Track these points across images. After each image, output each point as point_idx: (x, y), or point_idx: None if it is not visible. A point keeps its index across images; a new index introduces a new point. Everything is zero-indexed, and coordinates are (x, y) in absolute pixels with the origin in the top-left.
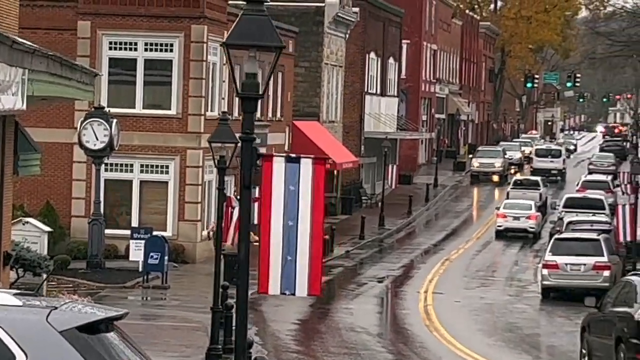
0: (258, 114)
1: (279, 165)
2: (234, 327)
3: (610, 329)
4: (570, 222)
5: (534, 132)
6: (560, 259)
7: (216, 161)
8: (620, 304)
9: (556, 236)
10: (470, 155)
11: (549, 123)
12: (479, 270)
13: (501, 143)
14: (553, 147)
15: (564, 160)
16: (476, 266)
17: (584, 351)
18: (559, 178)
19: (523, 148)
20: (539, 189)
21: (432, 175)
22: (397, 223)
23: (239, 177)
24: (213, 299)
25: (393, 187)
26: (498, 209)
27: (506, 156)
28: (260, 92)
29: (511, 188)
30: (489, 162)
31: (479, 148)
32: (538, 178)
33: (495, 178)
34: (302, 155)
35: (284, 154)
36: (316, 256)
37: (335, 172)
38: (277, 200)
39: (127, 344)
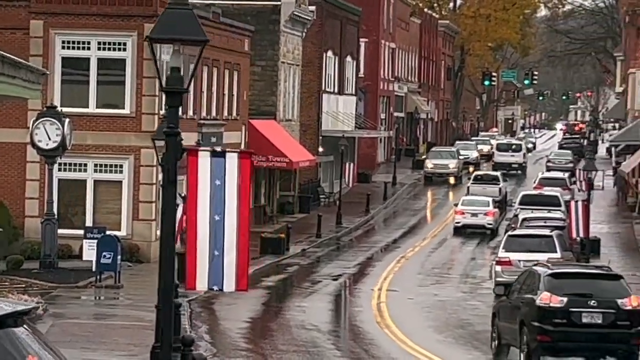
0: (214, 113)
1: (204, 159)
2: (183, 325)
3: (516, 314)
4: (524, 219)
5: (494, 129)
6: (513, 256)
7: (159, 158)
8: (525, 292)
9: (509, 233)
10: (425, 156)
11: (510, 121)
12: (434, 268)
13: (457, 142)
14: (514, 141)
15: (524, 154)
16: (432, 263)
17: (494, 335)
18: (519, 172)
19: (480, 147)
20: (499, 184)
21: (390, 173)
22: (355, 221)
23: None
24: (157, 297)
25: (351, 185)
26: (456, 205)
27: (461, 156)
28: (185, 86)
29: (471, 183)
30: (443, 163)
31: (433, 149)
32: (498, 173)
33: (451, 180)
34: (227, 150)
35: (209, 148)
36: (243, 251)
37: (292, 171)
38: (203, 195)
39: (37, 339)
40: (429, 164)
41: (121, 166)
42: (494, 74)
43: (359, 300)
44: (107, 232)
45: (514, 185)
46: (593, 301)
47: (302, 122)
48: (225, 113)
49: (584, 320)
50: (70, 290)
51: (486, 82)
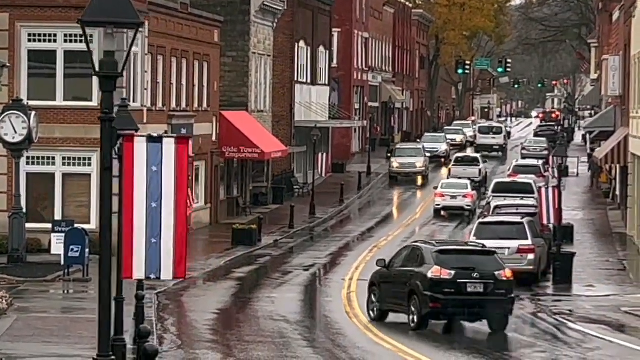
0: (183, 104)
1: (140, 145)
2: (148, 317)
3: (404, 283)
4: (496, 207)
5: (472, 118)
6: (485, 243)
7: (116, 150)
8: (410, 265)
9: (480, 220)
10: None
11: (486, 110)
12: None
13: (425, 135)
14: (495, 124)
15: (504, 136)
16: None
17: (373, 299)
18: (500, 153)
19: (453, 136)
20: (479, 165)
21: (365, 163)
22: (329, 211)
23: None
24: (116, 289)
25: (324, 175)
26: (436, 188)
27: (427, 152)
28: (119, 70)
29: (452, 165)
30: (409, 162)
31: (397, 146)
32: (478, 155)
33: (419, 180)
34: (164, 135)
35: (146, 134)
36: (180, 238)
37: (265, 162)
38: (139, 182)
39: None
40: (395, 162)
41: (89, 159)
42: (467, 62)
43: (329, 290)
44: (75, 225)
45: (495, 167)
46: (476, 274)
47: (274, 113)
48: (196, 104)
49: (469, 289)
50: (38, 285)
51: (460, 71)
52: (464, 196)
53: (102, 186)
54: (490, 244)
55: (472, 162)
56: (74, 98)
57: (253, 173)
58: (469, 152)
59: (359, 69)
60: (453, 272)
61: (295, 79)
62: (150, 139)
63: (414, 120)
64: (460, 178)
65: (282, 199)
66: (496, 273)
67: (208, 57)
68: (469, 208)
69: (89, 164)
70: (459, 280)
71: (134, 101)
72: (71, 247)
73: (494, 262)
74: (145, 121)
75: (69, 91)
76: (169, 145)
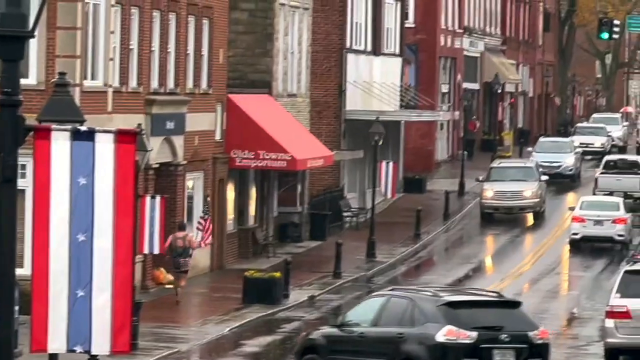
0: (170, 84)
1: (61, 144)
2: None
3: (383, 352)
4: None
5: (627, 109)
6: (634, 304)
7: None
8: (391, 323)
9: (627, 267)
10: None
11: None
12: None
13: (540, 140)
14: None
15: None
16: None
17: None
18: None
19: (586, 139)
20: None
21: (457, 178)
22: (396, 253)
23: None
24: None
25: (391, 197)
26: (572, 209)
27: (542, 175)
28: (30, 29)
29: (600, 173)
30: (511, 190)
31: (494, 165)
32: (637, 158)
33: (529, 219)
34: (97, 129)
35: (69, 126)
36: (123, 289)
37: (298, 174)
38: (59, 201)
39: None
40: (489, 190)
41: (23, 166)
42: (617, 22)
43: None
44: None
45: None
46: (504, 335)
47: (314, 99)
48: (190, 84)
49: (497, 358)
50: None
51: (603, 35)
52: (614, 221)
53: (2, 200)
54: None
55: (631, 168)
56: None
57: (280, 192)
58: (629, 155)
59: (449, 30)
60: (475, 334)
61: (348, 45)
62: (77, 135)
63: (534, 112)
64: (610, 193)
65: (325, 232)
66: (530, 334)
67: (210, 10)
68: (621, 239)
69: (22, 169)
70: (482, 346)
71: (92, 78)
72: None
73: (522, 317)
74: (109, 109)
75: None
76: (105, 145)
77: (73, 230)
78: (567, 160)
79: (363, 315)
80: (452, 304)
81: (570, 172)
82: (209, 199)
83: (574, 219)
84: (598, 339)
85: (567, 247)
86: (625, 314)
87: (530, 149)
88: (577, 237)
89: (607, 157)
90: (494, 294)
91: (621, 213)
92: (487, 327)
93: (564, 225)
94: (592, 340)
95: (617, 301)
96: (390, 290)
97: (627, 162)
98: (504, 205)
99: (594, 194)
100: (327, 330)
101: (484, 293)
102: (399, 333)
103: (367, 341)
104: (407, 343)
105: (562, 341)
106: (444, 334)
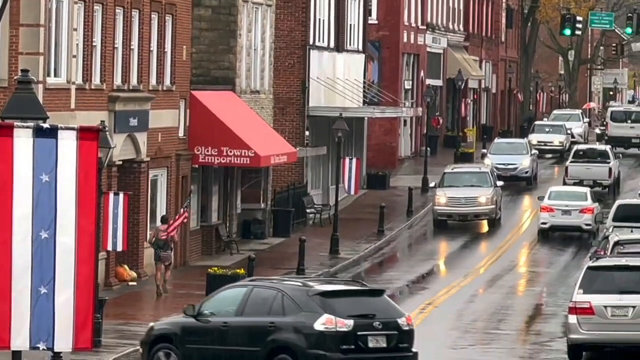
0: (134, 81)
1: (23, 141)
2: None
3: (251, 340)
4: (617, 243)
5: (591, 104)
6: (597, 300)
7: None
8: (258, 313)
9: (589, 264)
10: (483, 149)
11: (611, 92)
12: (476, 320)
13: (496, 141)
14: (635, 108)
15: None
16: (474, 313)
17: None
18: None
19: (544, 138)
20: (609, 162)
21: (420, 174)
22: (360, 249)
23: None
24: None
25: (354, 193)
26: (541, 199)
27: (497, 179)
28: None
29: (570, 162)
30: (466, 196)
31: (447, 170)
32: (606, 147)
33: (484, 225)
34: (60, 126)
35: (32, 123)
36: (85, 286)
37: (261, 170)
38: (21, 198)
39: None
40: (442, 196)
41: None
42: (579, 18)
43: None
44: None
45: (632, 171)
46: (377, 322)
47: (277, 95)
48: (153, 81)
49: (370, 344)
50: None
51: (566, 31)
52: (581, 211)
53: None
54: (605, 300)
55: (599, 157)
56: None
57: (243, 188)
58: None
59: (412, 26)
60: (352, 322)
61: (311, 42)
62: (40, 132)
63: (497, 108)
64: (579, 183)
65: (289, 228)
66: (399, 321)
67: (173, 7)
68: (589, 228)
69: None
70: (359, 333)
71: (55, 75)
72: None
73: (389, 305)
74: (72, 106)
75: None
76: (67, 142)
77: (35, 227)
78: (523, 162)
79: (223, 305)
80: (325, 294)
81: (526, 175)
82: (190, 194)
83: (543, 208)
84: (561, 335)
85: (530, 243)
86: (588, 310)
87: (484, 150)
88: (546, 226)
89: (576, 147)
90: (359, 284)
91: (589, 203)
92: (362, 315)
93: (523, 227)
94: (556, 336)
95: (580, 297)
96: (250, 281)
97: (596, 152)
98: (457, 212)
99: (564, 182)
100: (181, 319)
101: (350, 282)
102: (271, 322)
103: (232, 330)
104: (281, 332)
105: (523, 337)
106: (323, 322)
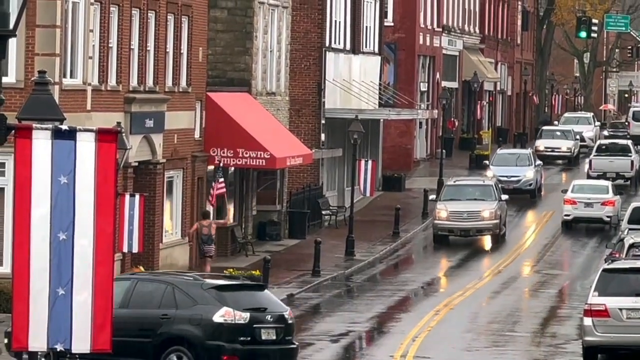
0: (150, 82)
1: (42, 143)
2: None
3: (140, 333)
4: (633, 245)
5: (609, 106)
6: (612, 302)
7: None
8: (147, 305)
9: (605, 266)
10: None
11: (626, 94)
12: (492, 322)
13: (498, 151)
14: None
15: None
16: (489, 315)
17: None
18: None
19: (552, 144)
20: (630, 155)
21: (435, 177)
22: (375, 251)
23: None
24: None
25: (370, 195)
26: (565, 192)
27: (502, 192)
28: (11, 28)
29: (594, 156)
30: (469, 210)
31: (448, 182)
32: (628, 142)
33: (487, 242)
34: (79, 128)
35: (51, 125)
36: (103, 288)
37: (277, 172)
38: (39, 200)
39: None
40: (443, 211)
41: (2, 164)
42: (595, 21)
43: None
44: None
45: None
46: (269, 315)
47: (293, 97)
48: (169, 82)
49: (263, 337)
50: None
51: (581, 34)
52: (603, 203)
53: None
54: (620, 303)
55: (622, 151)
56: None
57: (258, 190)
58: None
59: (428, 29)
60: (248, 315)
61: (327, 44)
62: (58, 134)
63: (512, 110)
64: (602, 176)
65: (304, 230)
66: (285, 314)
67: (189, 8)
68: (609, 220)
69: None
70: (254, 326)
71: (71, 76)
72: None
73: (274, 299)
74: (88, 107)
75: None
76: (86, 143)
77: (54, 229)
78: (527, 174)
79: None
80: (219, 288)
81: (530, 187)
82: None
83: (566, 201)
84: (576, 338)
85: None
86: (604, 313)
87: (486, 162)
88: (569, 218)
89: (599, 141)
90: (244, 278)
91: (610, 196)
92: (255, 308)
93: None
94: (571, 338)
95: (596, 299)
96: (131, 274)
97: (617, 146)
98: (459, 227)
99: (588, 175)
100: None
101: (237, 277)
102: (163, 314)
103: (117, 322)
104: (175, 323)
105: (539, 339)
106: (222, 314)
